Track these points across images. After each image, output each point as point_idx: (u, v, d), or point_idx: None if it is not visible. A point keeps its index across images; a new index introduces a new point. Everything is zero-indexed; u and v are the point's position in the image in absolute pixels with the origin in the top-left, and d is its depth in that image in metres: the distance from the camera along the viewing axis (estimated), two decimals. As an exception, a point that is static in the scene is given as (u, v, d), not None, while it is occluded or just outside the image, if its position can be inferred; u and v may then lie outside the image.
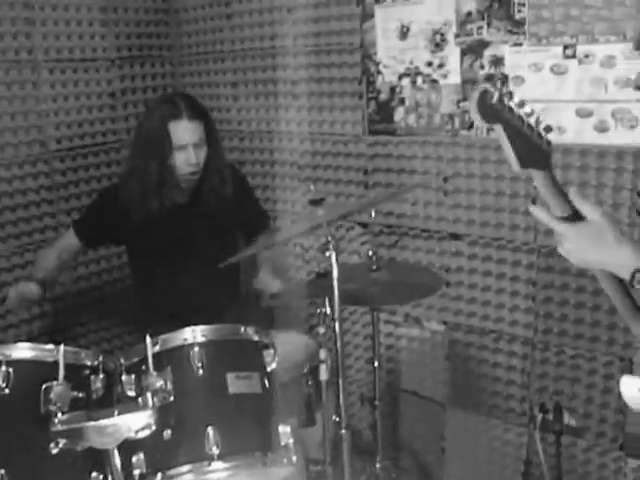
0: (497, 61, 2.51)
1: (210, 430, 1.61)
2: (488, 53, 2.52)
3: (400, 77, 2.77)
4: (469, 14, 2.54)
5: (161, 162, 2.53)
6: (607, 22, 2.25)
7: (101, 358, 1.70)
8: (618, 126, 2.30)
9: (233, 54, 3.28)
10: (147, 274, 2.71)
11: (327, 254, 1.81)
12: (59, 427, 1.41)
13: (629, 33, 2.22)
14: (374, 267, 2.40)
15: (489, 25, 2.50)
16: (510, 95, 1.42)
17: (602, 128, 2.33)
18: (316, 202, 1.82)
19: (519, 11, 2.42)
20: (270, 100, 3.21)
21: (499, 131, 1.41)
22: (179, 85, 3.51)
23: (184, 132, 2.52)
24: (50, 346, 1.62)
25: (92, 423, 1.40)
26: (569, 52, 2.35)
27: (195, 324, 1.80)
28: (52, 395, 1.54)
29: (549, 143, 1.45)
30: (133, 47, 3.30)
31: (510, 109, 1.41)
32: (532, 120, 1.42)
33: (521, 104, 1.42)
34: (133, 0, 3.27)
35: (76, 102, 3.11)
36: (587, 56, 2.32)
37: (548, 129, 1.45)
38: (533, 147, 1.43)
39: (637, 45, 2.21)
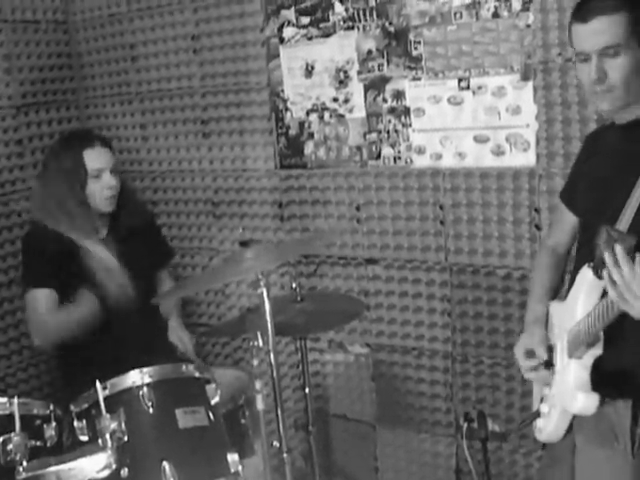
0: (398, 95, 2.82)
1: (165, 464, 1.79)
2: (390, 87, 2.83)
3: (308, 113, 3.04)
4: (369, 52, 2.84)
5: (79, 190, 2.72)
6: (495, 56, 2.60)
7: (52, 407, 1.86)
8: (513, 149, 2.64)
9: (140, 96, 3.47)
10: None
11: (259, 291, 2.03)
12: (24, 475, 1.57)
13: (515, 66, 2.57)
14: (298, 299, 2.63)
15: (389, 62, 2.81)
16: None
17: (499, 152, 2.67)
18: (245, 244, 2.03)
19: (415, 48, 2.74)
20: (181, 140, 3.41)
21: None
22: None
23: (99, 158, 2.76)
24: (2, 399, 1.77)
25: (57, 467, 1.57)
26: (464, 84, 2.68)
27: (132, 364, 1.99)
28: (10, 446, 1.67)
29: None
30: (38, 93, 3.42)
31: None
32: None
33: None
34: (35, 46, 3.39)
35: (-17, 152, 3.20)
36: (480, 87, 2.65)
37: None
38: None
39: (523, 76, 2.56)
